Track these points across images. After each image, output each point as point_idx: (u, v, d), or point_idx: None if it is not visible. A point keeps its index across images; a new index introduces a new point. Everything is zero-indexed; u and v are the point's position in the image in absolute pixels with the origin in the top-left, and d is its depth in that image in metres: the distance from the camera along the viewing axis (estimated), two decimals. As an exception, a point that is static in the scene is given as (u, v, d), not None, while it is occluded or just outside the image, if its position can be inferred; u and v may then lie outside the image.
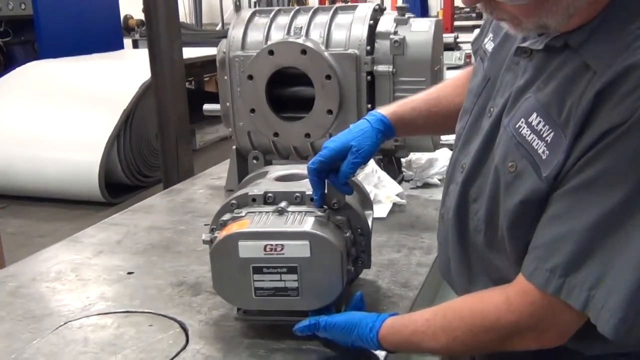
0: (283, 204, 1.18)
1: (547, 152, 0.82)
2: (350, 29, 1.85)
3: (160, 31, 4.04)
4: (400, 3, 1.88)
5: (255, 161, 1.94)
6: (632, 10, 0.79)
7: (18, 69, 5.60)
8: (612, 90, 0.76)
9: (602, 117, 0.77)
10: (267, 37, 1.92)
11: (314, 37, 1.87)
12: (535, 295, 0.84)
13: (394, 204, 1.83)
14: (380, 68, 1.84)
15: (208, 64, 5.96)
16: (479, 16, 8.50)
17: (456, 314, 0.93)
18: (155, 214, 1.92)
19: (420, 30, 1.84)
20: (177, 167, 4.41)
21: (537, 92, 0.86)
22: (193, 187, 2.19)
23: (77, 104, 4.94)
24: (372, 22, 1.86)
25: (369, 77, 1.85)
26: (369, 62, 1.83)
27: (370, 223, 1.32)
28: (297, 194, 1.20)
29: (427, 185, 2.04)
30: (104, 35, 6.83)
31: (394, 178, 2.00)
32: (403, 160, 2.13)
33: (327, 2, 10.05)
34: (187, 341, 1.18)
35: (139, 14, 8.00)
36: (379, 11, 1.92)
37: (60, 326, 1.25)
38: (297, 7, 2.01)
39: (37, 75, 5.42)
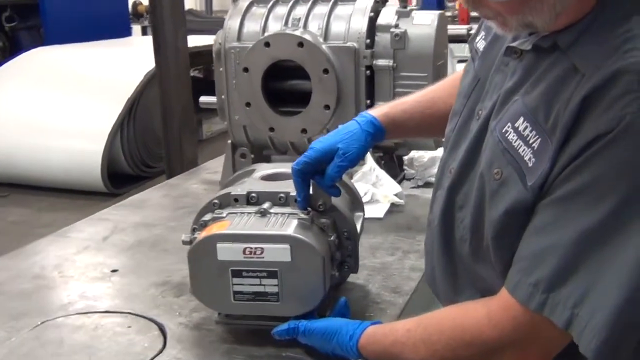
0: (266, 205, 1.16)
1: (533, 159, 0.80)
2: (349, 21, 1.82)
3: (165, 18, 4.03)
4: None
5: (242, 159, 1.91)
6: (623, 12, 0.75)
7: (22, 55, 5.63)
8: (600, 95, 0.73)
9: (589, 124, 0.74)
10: (264, 28, 1.90)
11: (312, 29, 1.84)
12: (518, 311, 0.81)
13: (392, 204, 1.80)
14: (380, 62, 1.81)
15: (216, 52, 5.94)
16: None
17: (437, 327, 0.91)
18: (147, 209, 1.91)
19: (422, 23, 1.80)
20: (180, 158, 4.41)
21: (525, 95, 0.83)
22: (188, 182, 2.18)
23: (81, 92, 4.96)
24: (372, 14, 1.83)
25: (368, 72, 1.82)
26: (369, 56, 1.80)
27: (359, 226, 1.30)
28: (282, 195, 1.18)
29: (428, 185, 2.01)
30: (111, 21, 6.84)
31: (395, 176, 1.98)
32: (405, 158, 2.10)
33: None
34: (164, 345, 1.17)
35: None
36: (380, 3, 1.88)
37: (36, 326, 1.24)
38: (297, -3, 1.98)
39: (42, 61, 5.44)
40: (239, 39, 1.92)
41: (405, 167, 2.09)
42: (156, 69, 4.29)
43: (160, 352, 1.15)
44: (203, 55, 6.23)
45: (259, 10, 1.95)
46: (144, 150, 5.04)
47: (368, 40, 1.80)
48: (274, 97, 1.89)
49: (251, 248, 1.08)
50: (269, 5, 1.94)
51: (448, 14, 5.33)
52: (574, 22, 0.78)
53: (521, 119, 0.82)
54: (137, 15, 9.18)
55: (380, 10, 1.85)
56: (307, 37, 1.80)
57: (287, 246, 1.07)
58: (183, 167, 4.11)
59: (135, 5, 9.23)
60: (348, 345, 1.01)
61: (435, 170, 2.02)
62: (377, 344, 0.98)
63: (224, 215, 1.15)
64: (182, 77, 4.28)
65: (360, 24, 1.81)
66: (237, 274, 1.09)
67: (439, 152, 2.04)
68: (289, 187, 1.20)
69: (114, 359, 1.13)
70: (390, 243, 1.58)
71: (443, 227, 0.99)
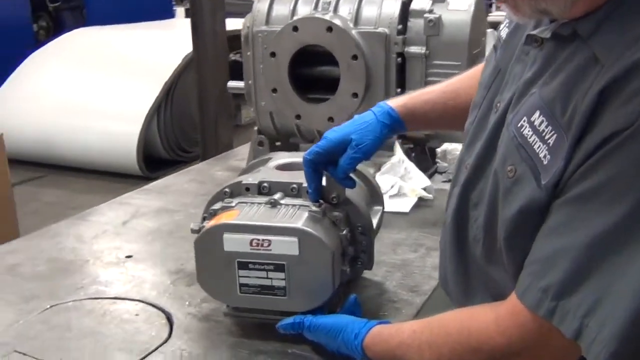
0: (277, 196, 1.15)
1: (548, 156, 0.76)
2: (381, 5, 1.79)
3: (203, 1, 4.05)
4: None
5: (260, 147, 1.90)
6: None
7: (64, 35, 5.77)
8: (618, 88, 0.69)
9: (606, 119, 0.70)
10: (293, 12, 1.88)
11: (343, 13, 1.81)
12: (526, 317, 0.78)
13: (420, 198, 1.77)
14: (412, 49, 1.77)
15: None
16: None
17: (443, 329, 0.89)
18: (170, 194, 1.92)
19: (458, 9, 1.75)
20: (216, 143, 4.45)
21: (542, 87, 0.79)
22: (215, 168, 2.19)
23: (120, 73, 5.05)
24: (406, -2, 1.79)
25: (399, 59, 1.78)
26: (400, 43, 1.76)
27: (376, 220, 1.27)
28: (294, 186, 1.17)
29: (461, 179, 1.96)
30: (154, 3, 6.94)
31: (427, 169, 1.94)
32: (438, 150, 2.06)
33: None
34: (170, 335, 1.17)
35: (192, -18, 8.05)
36: (415, -13, 1.84)
37: (46, 309, 1.26)
38: (329, -20, 1.95)
39: (82, 42, 5.56)
40: (267, 22, 1.90)
41: (437, 160, 2.05)
42: (194, 52, 4.33)
43: (165, 341, 1.15)
44: (244, 39, 6.30)
45: (290, -7, 1.93)
46: (180, 134, 5.10)
47: (400, 26, 1.77)
48: (301, 83, 1.88)
49: (258, 240, 1.07)
50: (299, -12, 1.92)
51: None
52: (593, 9, 0.74)
53: (537, 113, 0.78)
54: (181, -3, 9.27)
55: (414, -5, 1.81)
56: (336, 21, 1.77)
57: (295, 239, 1.06)
58: (218, 152, 4.13)
59: (178, -13, 9.33)
60: (353, 343, 0.99)
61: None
62: (382, 344, 0.96)
63: (233, 204, 1.14)
64: (219, 61, 4.31)
65: (393, 9, 1.77)
66: (243, 266, 1.08)
67: (474, 145, 1.99)
68: (302, 177, 1.18)
69: (120, 347, 1.13)
70: (413, 239, 1.55)
71: (456, 226, 0.96)
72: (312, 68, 1.87)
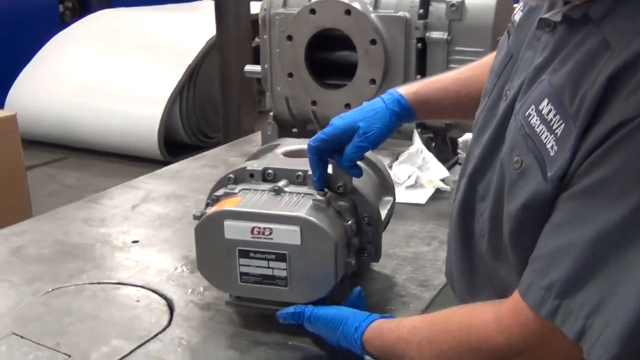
0: (281, 183, 1.14)
1: (555, 147, 0.73)
2: (402, -12, 1.76)
3: (227, -17, 4.05)
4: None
5: (269, 133, 1.89)
6: None
7: (89, 16, 5.82)
8: (628, 75, 0.66)
9: (614, 108, 0.67)
10: (312, -6, 1.86)
11: (362, -4, 1.79)
12: (528, 316, 0.75)
13: (437, 190, 1.74)
14: (434, 35, 1.74)
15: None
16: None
17: (444, 326, 0.87)
18: (181, 179, 1.93)
19: (483, -8, 1.72)
20: (238, 128, 4.46)
21: (552, 74, 0.76)
22: (229, 153, 2.19)
23: (143, 56, 5.08)
24: (428, -19, 1.76)
25: (419, 45, 1.75)
26: (421, 27, 1.73)
27: (385, 211, 1.26)
28: (299, 173, 1.15)
29: (482, 171, 1.93)
30: (180, -15, 6.94)
31: (447, 160, 1.91)
32: (460, 140, 2.03)
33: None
34: (170, 322, 1.17)
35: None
36: (438, -31, 1.81)
37: (47, 292, 1.28)
38: (350, -38, 1.92)
39: (107, 23, 5.60)
40: (284, 4, 1.89)
41: (459, 151, 2.02)
42: (217, 35, 4.34)
43: (165, 329, 1.15)
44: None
45: (309, -25, 1.91)
46: (202, 118, 5.11)
47: (421, 10, 1.74)
48: (317, 68, 1.86)
49: (259, 228, 1.06)
50: (318, -30, 1.90)
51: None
52: None
53: (545, 101, 0.75)
54: (208, -21, 9.28)
55: (436, -22, 1.78)
56: (355, 4, 1.75)
57: (297, 228, 1.04)
58: (240, 138, 4.15)
59: (206, -32, 9.33)
60: (353, 337, 0.98)
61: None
62: (382, 339, 0.95)
63: (236, 191, 1.13)
64: (243, 44, 4.31)
65: (414, -8, 1.75)
66: (244, 254, 1.08)
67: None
68: (308, 165, 1.17)
69: (118, 332, 1.14)
70: (427, 232, 1.53)
71: (461, 220, 0.94)
72: (330, 53, 1.86)
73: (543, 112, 0.75)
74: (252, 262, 1.08)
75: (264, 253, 1.07)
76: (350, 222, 1.11)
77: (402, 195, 1.72)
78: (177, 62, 4.92)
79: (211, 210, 1.11)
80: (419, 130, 1.84)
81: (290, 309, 1.07)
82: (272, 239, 1.06)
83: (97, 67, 5.11)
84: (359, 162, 1.24)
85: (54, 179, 4.67)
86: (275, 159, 1.23)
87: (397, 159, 1.84)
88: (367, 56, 1.76)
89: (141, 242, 1.50)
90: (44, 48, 5.47)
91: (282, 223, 1.05)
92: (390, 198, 1.31)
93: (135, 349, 1.09)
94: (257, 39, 4.46)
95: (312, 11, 1.79)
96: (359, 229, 1.15)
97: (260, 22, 1.98)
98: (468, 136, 2.01)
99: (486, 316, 0.81)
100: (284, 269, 1.07)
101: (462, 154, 2.01)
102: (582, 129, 0.70)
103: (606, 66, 0.68)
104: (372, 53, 1.76)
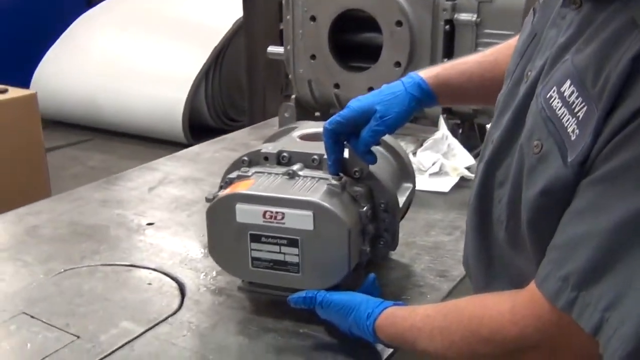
0: (296, 167, 1.13)
1: (577, 131, 0.71)
2: (430, -33, 1.73)
3: (255, -38, 4.04)
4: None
5: (286, 115, 1.89)
6: None
7: (115, -4, 5.86)
8: None
9: (638, 90, 0.65)
10: (337, -27, 1.84)
11: (388, -24, 1.77)
12: (544, 308, 0.74)
13: (462, 178, 1.72)
14: (463, 17, 1.71)
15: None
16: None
17: (457, 316, 0.86)
18: (200, 162, 1.94)
19: (514, -27, 1.68)
20: (263, 112, 4.46)
21: (575, 54, 0.74)
22: (250, 137, 2.19)
23: (169, 37, 5.11)
24: (458, -40, 1.73)
25: (447, 27, 1.73)
26: (449, 9, 1.71)
27: (403, 198, 1.24)
28: (315, 157, 1.15)
29: (510, 160, 1.90)
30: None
31: (474, 147, 1.89)
32: (488, 126, 1.99)
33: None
34: (181, 306, 1.18)
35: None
36: (468, -52, 1.77)
37: (59, 272, 1.29)
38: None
39: (133, 4, 5.64)
40: (308, -16, 1.88)
41: (487, 138, 1.99)
42: (244, 16, 4.33)
43: (175, 313, 1.16)
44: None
45: (334, -47, 1.89)
46: (228, 102, 5.13)
47: (450, -9, 1.71)
48: (341, 50, 1.85)
49: (271, 212, 1.06)
50: (344, -52, 1.88)
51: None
52: None
53: (568, 82, 0.73)
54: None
55: (466, -43, 1.75)
56: (381, -16, 1.73)
57: (309, 213, 1.04)
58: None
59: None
60: (365, 324, 0.98)
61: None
62: (394, 327, 0.95)
63: (249, 173, 1.13)
64: (270, 26, 4.29)
65: (442, -28, 1.72)
66: (256, 238, 1.08)
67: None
68: (325, 148, 1.16)
69: (128, 315, 1.15)
70: (449, 221, 1.51)
71: (479, 206, 0.92)
72: (354, 34, 1.84)
73: (565, 94, 0.73)
74: (263, 247, 1.08)
75: (275, 238, 1.07)
76: (365, 208, 1.10)
77: (425, 182, 1.71)
78: (204, 43, 4.94)
79: (223, 193, 1.11)
80: (445, 116, 1.82)
81: (302, 294, 1.07)
82: (284, 223, 1.06)
83: (123, 48, 5.15)
84: (378, 148, 1.23)
85: (78, 160, 4.74)
86: (291, 142, 1.23)
87: (421, 145, 1.82)
88: (393, 38, 1.74)
89: (156, 224, 1.51)
90: (70, 28, 5.54)
91: (294, 207, 1.05)
92: (410, 185, 1.30)
93: (143, 332, 1.10)
94: (285, 21, 4.48)
95: (337, -9, 1.77)
96: (375, 215, 1.14)
97: (283, 1, 1.97)
98: (497, 123, 1.98)
99: (501, 307, 0.80)
100: (296, 255, 1.07)
101: (490, 142, 1.98)
102: (604, 112, 0.68)
103: (631, 46, 0.66)
104: (398, 35, 1.74)
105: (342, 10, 1.78)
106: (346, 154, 1.13)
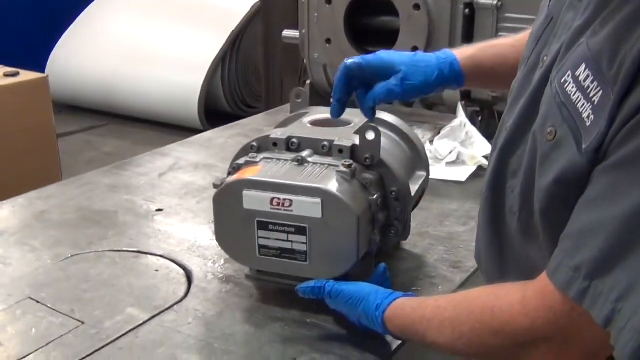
0: (305, 153, 1.13)
1: (592, 116, 0.70)
2: (450, -51, 1.72)
3: (273, -56, 4.03)
4: None
5: (298, 100, 1.88)
6: None
7: (132, -21, 5.88)
8: None
9: None
10: (353, -45, 1.83)
11: (406, -43, 1.75)
12: (555, 299, 0.73)
13: (479, 167, 1.71)
14: (483, 0, 1.69)
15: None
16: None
17: (467, 307, 0.85)
18: (211, 148, 1.94)
19: (538, -45, 1.66)
20: (280, 99, 4.46)
21: (591, 37, 0.73)
22: (264, 123, 2.19)
23: (185, 20, 5.12)
24: (479, -58, 1.71)
25: (467, 11, 1.71)
26: (469, -8, 1.69)
27: (416, 186, 1.24)
28: (325, 143, 1.14)
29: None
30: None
31: (494, 136, 1.87)
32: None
33: None
34: (187, 293, 1.19)
35: None
36: None
37: (66, 258, 1.31)
38: None
39: (149, -14, 5.65)
40: (324, -35, 1.87)
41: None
42: (261, 0, 4.32)
43: (181, 300, 1.17)
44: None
45: None
46: (245, 87, 5.13)
47: (470, -27, 1.70)
48: (357, 34, 1.84)
49: (279, 199, 1.05)
50: None
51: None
52: None
53: (583, 66, 0.72)
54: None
55: (488, -62, 1.73)
56: (398, -34, 1.72)
57: (318, 200, 1.04)
58: (282, 109, 4.15)
59: None
60: (374, 314, 0.98)
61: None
62: (404, 318, 0.94)
63: (257, 159, 1.13)
64: (288, 10, 4.28)
65: (462, -46, 1.70)
66: (263, 226, 1.08)
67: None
68: (335, 135, 1.16)
69: (133, 302, 1.16)
70: (465, 211, 1.51)
71: (492, 196, 0.92)
72: (370, 18, 1.83)
73: (580, 79, 0.72)
74: (271, 235, 1.08)
75: (283, 225, 1.07)
76: (375, 196, 1.10)
77: (442, 171, 1.70)
78: (220, 27, 4.94)
79: (230, 179, 1.11)
80: (464, 103, 1.81)
81: (311, 283, 1.07)
82: (292, 211, 1.05)
83: (139, 32, 5.18)
84: (390, 134, 1.23)
85: (92, 146, 4.78)
86: (301, 128, 1.22)
87: (438, 133, 1.81)
88: (410, 22, 1.73)
89: (165, 210, 1.52)
90: (85, 12, 5.57)
91: (302, 194, 1.05)
92: (424, 173, 1.29)
93: (149, 319, 1.11)
94: (304, 5, 4.47)
95: (353, -27, 1.76)
96: (386, 204, 1.14)
97: (299, -16, 1.96)
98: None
99: (511, 298, 0.80)
100: (303, 243, 1.07)
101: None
102: (619, 96, 0.67)
103: None
104: (416, 19, 1.72)
105: (359, -7, 1.77)
106: (356, 140, 1.13)
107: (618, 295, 0.66)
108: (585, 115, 0.71)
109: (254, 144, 1.19)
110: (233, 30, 4.89)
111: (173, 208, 1.54)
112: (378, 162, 1.13)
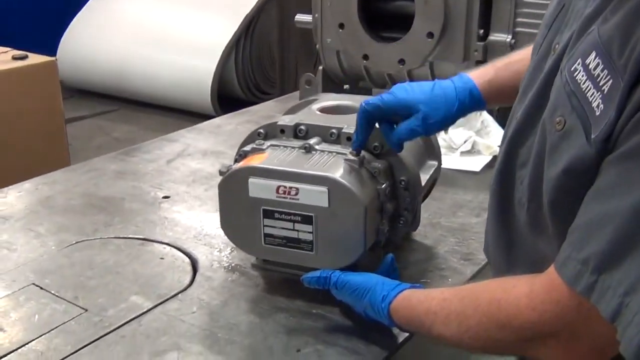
0: (313, 141, 1.14)
1: (602, 106, 0.70)
2: None
3: None
4: None
5: (307, 86, 1.88)
6: None
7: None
8: None
9: None
10: (368, -63, 1.83)
11: (423, -60, 1.75)
12: (563, 293, 0.73)
13: (495, 157, 1.70)
14: (501, -16, 1.69)
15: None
16: None
17: (473, 300, 0.85)
18: (221, 135, 1.96)
19: (559, -62, 1.64)
20: (295, 85, 4.46)
21: (601, 24, 0.72)
22: (275, 109, 2.20)
23: (199, 4, 5.12)
24: None
25: (484, -5, 1.70)
26: (487, -24, 1.68)
27: (427, 176, 1.24)
28: (333, 131, 1.15)
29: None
30: None
31: (511, 125, 1.87)
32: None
33: None
34: (192, 282, 1.20)
35: None
36: None
37: (71, 244, 1.33)
38: None
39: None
40: (338, -52, 1.86)
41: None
42: (276, -17, 4.32)
43: (185, 289, 1.18)
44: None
45: None
46: (258, 73, 5.13)
47: (488, -43, 1.69)
48: (371, 19, 1.84)
49: (285, 187, 1.06)
50: None
51: None
52: None
53: (593, 54, 0.72)
54: None
55: None
56: (414, -51, 1.71)
57: (324, 189, 1.04)
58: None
59: None
60: (380, 306, 0.98)
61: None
62: (410, 310, 0.95)
63: (264, 146, 1.14)
64: (304, -7, 4.28)
65: (481, -64, 1.69)
66: (269, 214, 1.09)
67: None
68: (344, 122, 1.16)
69: (138, 290, 1.17)
70: (479, 202, 1.51)
71: (500, 187, 0.92)
72: (384, 3, 1.83)
73: (590, 67, 0.72)
74: (276, 224, 1.09)
75: (289, 214, 1.08)
76: (384, 185, 1.10)
77: (456, 161, 1.70)
78: (234, 11, 4.94)
79: (236, 166, 1.12)
80: (480, 90, 1.80)
81: (316, 273, 1.08)
82: (298, 199, 1.06)
83: (151, 15, 5.19)
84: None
85: (103, 130, 4.82)
86: (310, 115, 1.23)
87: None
88: (426, 7, 1.72)
89: (172, 198, 1.54)
90: (97, -6, 5.59)
91: (309, 183, 1.05)
92: (435, 162, 1.29)
93: (152, 308, 1.12)
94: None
95: (367, -44, 1.76)
96: (395, 193, 1.14)
97: (312, -33, 1.96)
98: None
99: (518, 291, 0.80)
100: (309, 232, 1.07)
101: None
102: (629, 85, 0.66)
103: None
104: (431, 4, 1.72)
105: (373, -23, 1.77)
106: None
107: (625, 289, 0.66)
108: (594, 104, 0.71)
109: (262, 130, 1.19)
110: (247, 14, 4.89)
111: (180, 195, 1.55)
112: (387, 151, 1.13)
